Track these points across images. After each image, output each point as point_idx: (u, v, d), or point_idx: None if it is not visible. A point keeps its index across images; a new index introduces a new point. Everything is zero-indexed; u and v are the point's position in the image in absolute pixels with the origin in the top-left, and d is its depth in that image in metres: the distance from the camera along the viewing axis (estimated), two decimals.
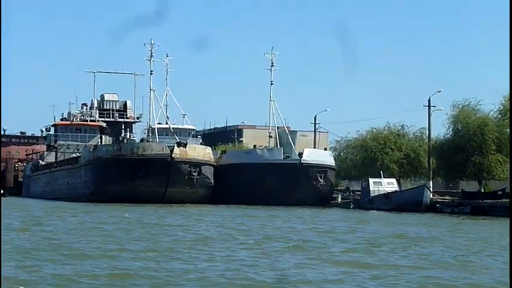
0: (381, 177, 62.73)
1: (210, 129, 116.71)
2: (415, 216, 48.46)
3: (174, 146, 64.37)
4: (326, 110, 79.96)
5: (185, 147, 64.80)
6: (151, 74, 71.43)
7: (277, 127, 76.10)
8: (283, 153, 67.90)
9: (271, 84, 72.70)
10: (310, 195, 64.80)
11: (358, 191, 68.20)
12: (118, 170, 63.00)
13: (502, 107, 55.91)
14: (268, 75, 72.65)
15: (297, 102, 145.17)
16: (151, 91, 71.26)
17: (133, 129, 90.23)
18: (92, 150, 68.28)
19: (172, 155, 63.58)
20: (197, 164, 65.07)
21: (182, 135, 76.76)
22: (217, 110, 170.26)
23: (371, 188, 61.36)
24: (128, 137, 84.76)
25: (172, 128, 75.21)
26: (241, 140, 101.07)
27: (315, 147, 74.66)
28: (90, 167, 66.96)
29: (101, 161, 65.27)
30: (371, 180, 61.98)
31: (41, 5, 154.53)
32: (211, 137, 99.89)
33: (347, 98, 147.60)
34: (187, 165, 64.45)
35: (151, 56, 71.00)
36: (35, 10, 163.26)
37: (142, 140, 72.94)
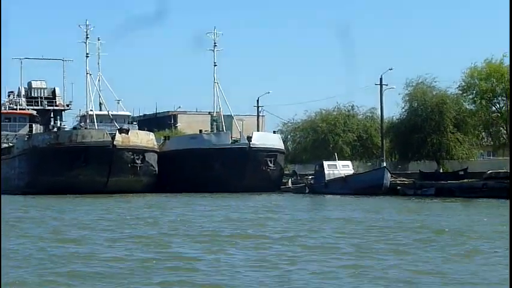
0: (335, 159, 60.13)
1: (140, 116, 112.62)
2: (386, 199, 46.01)
3: (115, 133, 60.49)
4: (268, 93, 77.33)
5: (127, 134, 60.99)
6: (87, 57, 67.30)
7: (213, 112, 72.94)
8: (231, 138, 64.66)
9: (215, 65, 69.37)
10: (259, 181, 61.72)
11: (305, 175, 65.55)
12: (55, 159, 58.83)
13: (463, 82, 53.84)
14: (209, 56, 69.41)
15: (231, 85, 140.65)
16: (88, 75, 67.22)
17: (64, 117, 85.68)
18: (26, 139, 63.82)
19: (114, 142, 59.71)
20: (140, 151, 61.33)
21: (118, 122, 72.47)
22: (146, 96, 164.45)
23: (326, 172, 58.57)
24: (59, 125, 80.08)
25: (107, 114, 71.16)
26: (177, 126, 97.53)
27: (258, 131, 71.72)
28: (25, 157, 62.48)
29: (37, 151, 60.85)
30: (325, 163, 59.15)
31: None
32: (144, 124, 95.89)
33: (288, 80, 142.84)
34: (130, 153, 60.66)
35: (87, 37, 66.88)
36: None
37: (75, 127, 68.79)
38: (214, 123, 71.12)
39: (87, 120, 67.85)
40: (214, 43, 68.87)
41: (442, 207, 37.63)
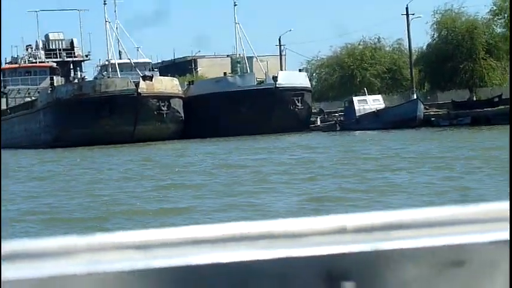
0: (364, 94, 58.83)
1: (158, 62, 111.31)
2: (424, 132, 44.76)
3: (139, 80, 59.45)
4: (290, 30, 75.85)
5: (151, 81, 59.95)
6: (104, 4, 66.11)
7: (235, 54, 71.60)
8: (256, 79, 63.37)
9: (235, 5, 67.86)
10: (288, 121, 60.44)
11: (332, 112, 64.35)
12: (80, 110, 57.93)
13: (494, 6, 52.14)
14: None
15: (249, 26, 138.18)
16: (107, 23, 66.01)
17: (83, 68, 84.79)
18: (49, 91, 62.83)
19: (139, 90, 58.69)
20: (166, 98, 60.33)
21: (139, 70, 71.64)
22: (161, 43, 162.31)
23: (356, 107, 57.32)
24: (79, 76, 79.13)
25: (128, 62, 70.06)
26: (198, 71, 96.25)
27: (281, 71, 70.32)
28: (50, 109, 61.59)
29: (62, 103, 59.91)
30: (355, 98, 57.91)
31: None
32: (163, 71, 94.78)
33: (309, 18, 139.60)
34: (156, 100, 59.68)
35: None
36: None
37: (96, 77, 67.81)
38: (238, 65, 69.72)
39: (109, 69, 66.82)
40: None
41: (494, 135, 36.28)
